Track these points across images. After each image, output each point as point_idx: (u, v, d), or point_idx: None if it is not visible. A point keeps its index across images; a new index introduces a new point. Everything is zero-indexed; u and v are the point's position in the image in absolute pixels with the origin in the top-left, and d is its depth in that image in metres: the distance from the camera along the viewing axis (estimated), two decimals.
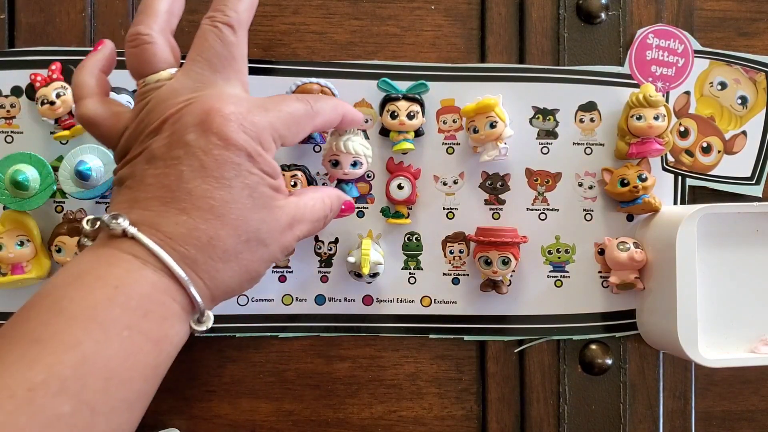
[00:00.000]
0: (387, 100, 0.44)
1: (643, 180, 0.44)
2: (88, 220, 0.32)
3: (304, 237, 0.36)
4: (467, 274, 0.46)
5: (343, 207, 0.40)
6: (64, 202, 0.45)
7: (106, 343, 0.27)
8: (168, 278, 0.30)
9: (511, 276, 0.46)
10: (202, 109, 0.32)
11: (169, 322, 0.30)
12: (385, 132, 0.45)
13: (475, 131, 0.44)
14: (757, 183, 0.47)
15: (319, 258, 0.46)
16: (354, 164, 0.42)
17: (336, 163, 0.42)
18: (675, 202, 0.47)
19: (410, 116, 0.44)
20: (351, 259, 0.43)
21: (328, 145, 0.42)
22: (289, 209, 0.34)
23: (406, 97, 0.44)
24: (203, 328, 0.32)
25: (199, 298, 0.30)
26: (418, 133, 0.45)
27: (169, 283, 0.30)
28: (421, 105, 0.44)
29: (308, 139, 0.44)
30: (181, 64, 0.35)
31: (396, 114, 0.44)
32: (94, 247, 0.31)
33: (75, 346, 0.26)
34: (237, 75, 0.35)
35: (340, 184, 0.43)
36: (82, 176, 0.41)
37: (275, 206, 0.33)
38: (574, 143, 0.47)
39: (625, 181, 0.44)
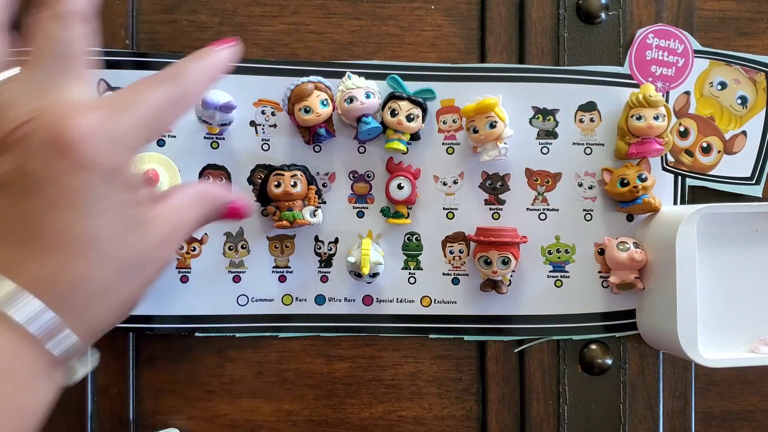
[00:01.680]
0: (391, 97, 0.44)
1: (643, 180, 0.44)
2: None
3: (181, 242, 0.31)
4: (467, 274, 0.46)
5: (237, 211, 0.35)
6: None
7: None
8: (29, 333, 0.25)
9: (511, 276, 0.46)
10: (53, 125, 0.26)
11: (34, 384, 0.25)
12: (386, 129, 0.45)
13: (475, 131, 0.44)
14: (757, 183, 0.47)
15: (319, 258, 0.46)
16: (367, 95, 0.43)
17: (351, 99, 0.43)
18: (675, 202, 0.47)
19: (409, 118, 0.44)
20: (351, 259, 0.43)
21: (339, 93, 0.43)
22: (162, 219, 0.30)
23: (409, 99, 0.44)
24: (84, 370, 0.29)
25: (70, 347, 0.26)
26: (415, 137, 0.45)
27: (31, 337, 0.25)
28: (424, 110, 0.44)
29: (314, 137, 0.44)
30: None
31: (396, 112, 0.43)
32: None
33: None
34: (87, 71, 0.30)
35: (361, 121, 0.44)
36: None
37: (145, 222, 0.29)
38: (574, 143, 0.47)
39: (625, 181, 0.44)
